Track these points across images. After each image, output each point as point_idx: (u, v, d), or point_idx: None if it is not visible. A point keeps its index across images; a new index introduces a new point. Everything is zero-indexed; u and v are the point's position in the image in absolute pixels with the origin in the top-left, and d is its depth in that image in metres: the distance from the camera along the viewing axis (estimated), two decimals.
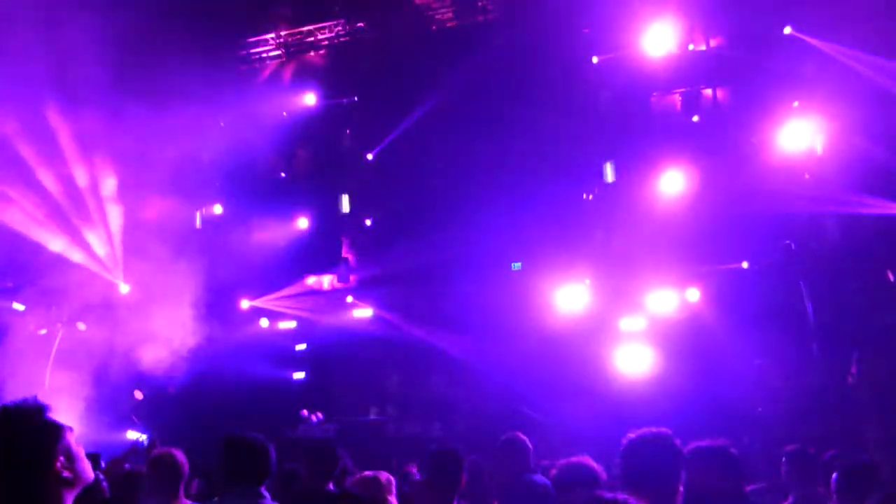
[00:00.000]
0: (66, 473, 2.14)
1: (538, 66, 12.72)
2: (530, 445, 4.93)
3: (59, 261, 11.76)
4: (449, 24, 14.39)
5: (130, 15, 10.27)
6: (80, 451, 2.24)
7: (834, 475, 4.09)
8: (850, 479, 3.96)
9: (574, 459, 4.00)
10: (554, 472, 4.09)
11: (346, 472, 6.27)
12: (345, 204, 14.95)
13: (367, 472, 4.81)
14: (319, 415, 12.14)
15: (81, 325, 12.73)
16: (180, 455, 4.39)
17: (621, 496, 2.35)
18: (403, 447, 11.15)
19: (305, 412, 11.57)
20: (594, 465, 3.95)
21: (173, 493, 4.31)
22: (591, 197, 13.09)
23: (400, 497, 4.85)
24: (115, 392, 11.59)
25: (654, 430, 3.26)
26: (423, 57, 13.91)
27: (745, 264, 11.64)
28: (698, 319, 11.75)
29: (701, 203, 11.95)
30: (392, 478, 4.76)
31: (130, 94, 10.55)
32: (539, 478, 4.79)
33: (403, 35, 14.34)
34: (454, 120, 13.19)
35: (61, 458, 2.14)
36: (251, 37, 15.15)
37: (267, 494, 3.89)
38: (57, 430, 2.18)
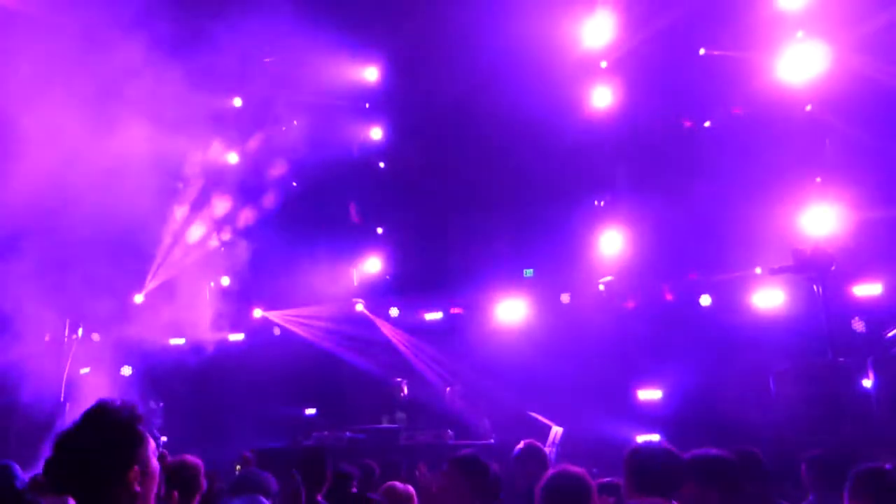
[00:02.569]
0: (136, 486, 2.08)
1: (547, 71, 12.74)
2: (547, 453, 4.95)
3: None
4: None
5: None
6: (156, 470, 2.19)
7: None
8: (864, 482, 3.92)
9: (564, 468, 3.66)
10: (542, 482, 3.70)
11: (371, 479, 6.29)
12: (355, 212, 15.02)
13: (396, 483, 4.86)
14: None
15: (96, 336, 12.81)
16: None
17: None
18: (416, 455, 11.14)
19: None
20: (585, 476, 3.56)
21: None
22: (602, 204, 13.10)
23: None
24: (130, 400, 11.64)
25: (658, 441, 3.40)
26: (430, 64, 13.96)
27: (758, 270, 11.60)
28: (711, 325, 11.72)
29: (712, 207, 11.93)
30: (413, 491, 4.81)
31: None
32: None
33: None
34: (464, 126, 13.25)
35: (136, 468, 2.09)
36: None
37: (265, 500, 3.98)
38: (139, 438, 2.14)
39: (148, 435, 2.20)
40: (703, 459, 3.44)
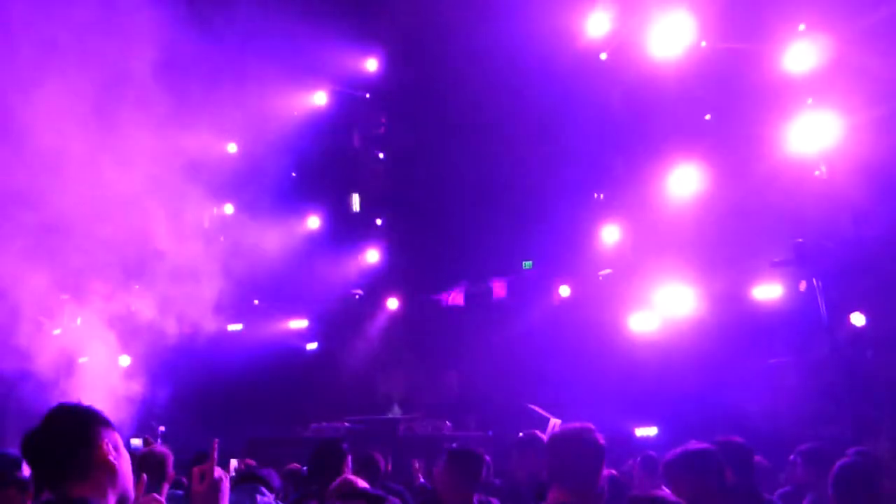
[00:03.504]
0: (110, 457, 2.13)
1: (547, 63, 12.71)
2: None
3: None
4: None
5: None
6: (125, 454, 2.21)
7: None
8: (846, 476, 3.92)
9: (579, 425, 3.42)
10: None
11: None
12: (355, 203, 15.02)
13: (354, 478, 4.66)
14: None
15: (95, 325, 12.79)
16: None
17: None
18: (415, 446, 11.18)
19: None
20: (594, 432, 3.36)
21: None
22: (602, 196, 13.10)
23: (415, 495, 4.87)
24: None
25: (577, 425, 3.28)
26: (430, 55, 13.92)
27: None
28: (711, 318, 11.72)
29: (713, 201, 11.92)
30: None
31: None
32: None
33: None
34: (465, 117, 13.22)
35: (105, 441, 2.14)
36: None
37: (266, 491, 3.96)
38: (102, 421, 2.18)
39: (112, 425, 2.23)
40: (700, 453, 3.43)
